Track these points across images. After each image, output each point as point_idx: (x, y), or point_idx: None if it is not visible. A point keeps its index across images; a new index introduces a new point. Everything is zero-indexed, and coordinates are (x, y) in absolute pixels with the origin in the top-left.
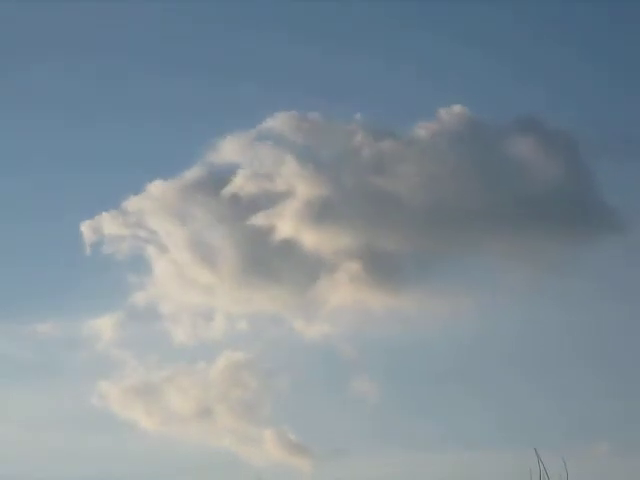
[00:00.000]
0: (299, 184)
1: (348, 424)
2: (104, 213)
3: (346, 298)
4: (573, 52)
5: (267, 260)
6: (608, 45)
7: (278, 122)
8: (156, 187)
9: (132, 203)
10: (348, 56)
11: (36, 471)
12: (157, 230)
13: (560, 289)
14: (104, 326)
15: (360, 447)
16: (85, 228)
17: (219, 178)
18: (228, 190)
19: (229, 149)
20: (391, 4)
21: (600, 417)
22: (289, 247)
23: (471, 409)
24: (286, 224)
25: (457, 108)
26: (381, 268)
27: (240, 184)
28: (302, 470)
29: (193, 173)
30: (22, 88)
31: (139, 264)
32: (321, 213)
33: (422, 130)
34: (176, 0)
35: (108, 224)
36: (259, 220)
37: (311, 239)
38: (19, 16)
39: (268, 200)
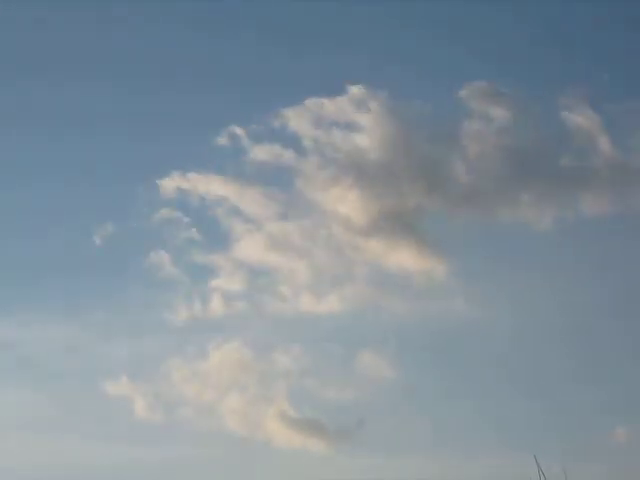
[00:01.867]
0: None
1: (361, 402)
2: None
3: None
4: (573, 52)
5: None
6: (608, 45)
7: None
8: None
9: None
10: (348, 56)
11: (36, 471)
12: (161, 226)
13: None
14: (104, 322)
15: (371, 431)
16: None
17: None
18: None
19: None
20: (391, 4)
21: (600, 417)
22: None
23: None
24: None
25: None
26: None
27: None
28: (315, 450)
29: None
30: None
31: (139, 259)
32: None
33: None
34: (176, 1)
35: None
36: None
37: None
38: (17, 28)
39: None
